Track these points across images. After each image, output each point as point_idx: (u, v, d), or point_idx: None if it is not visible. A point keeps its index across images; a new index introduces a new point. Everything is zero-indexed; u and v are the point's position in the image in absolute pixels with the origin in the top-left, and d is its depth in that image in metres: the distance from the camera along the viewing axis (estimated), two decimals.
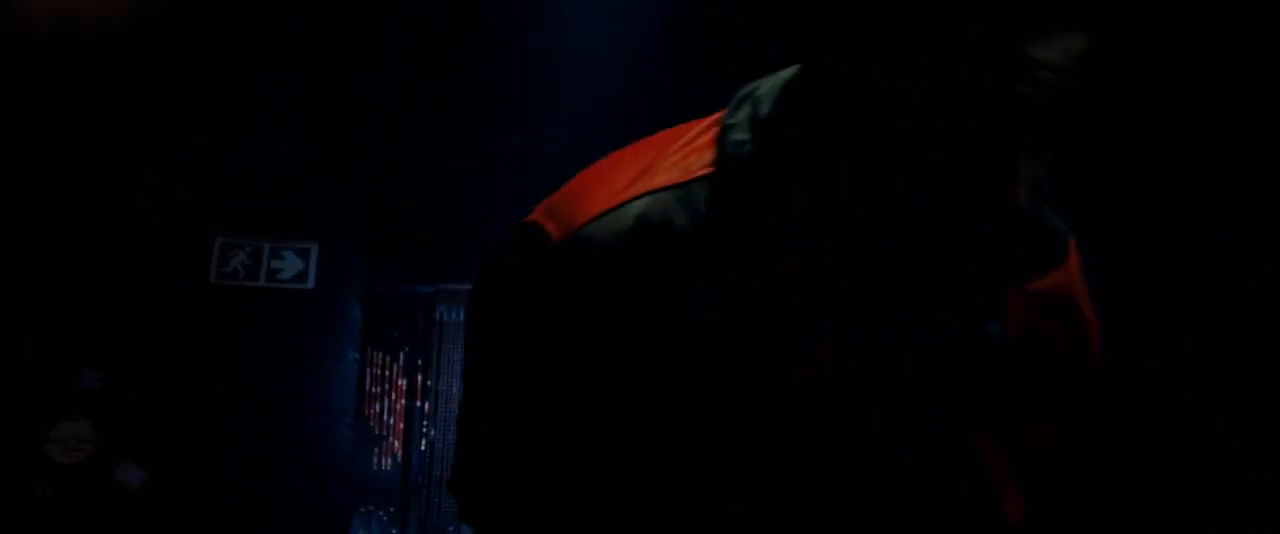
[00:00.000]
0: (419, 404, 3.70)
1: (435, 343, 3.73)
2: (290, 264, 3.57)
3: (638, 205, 0.83)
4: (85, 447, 3.15)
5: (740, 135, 0.81)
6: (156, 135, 3.41)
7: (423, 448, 3.67)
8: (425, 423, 3.69)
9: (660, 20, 3.31)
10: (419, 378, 3.71)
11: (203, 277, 3.48)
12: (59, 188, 3.29)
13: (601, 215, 0.83)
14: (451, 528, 3.60)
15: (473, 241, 3.62)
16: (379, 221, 3.66)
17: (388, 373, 3.72)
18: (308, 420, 3.52)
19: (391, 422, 3.71)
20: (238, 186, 3.52)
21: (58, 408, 3.14)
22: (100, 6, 3.17)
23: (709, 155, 0.83)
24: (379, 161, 3.62)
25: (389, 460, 3.68)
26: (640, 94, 3.28)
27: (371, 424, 3.69)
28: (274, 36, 3.39)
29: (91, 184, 3.35)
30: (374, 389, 3.71)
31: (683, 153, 0.85)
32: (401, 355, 3.73)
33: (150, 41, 3.21)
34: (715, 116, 0.87)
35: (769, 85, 0.84)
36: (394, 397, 3.72)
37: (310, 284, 3.56)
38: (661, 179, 0.84)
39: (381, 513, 3.67)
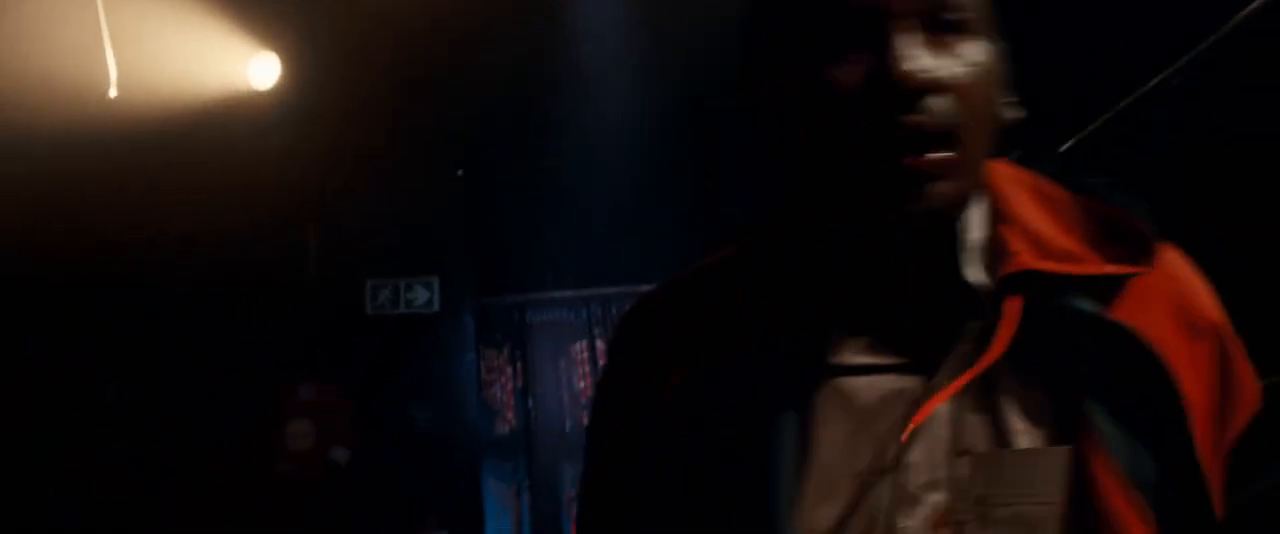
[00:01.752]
0: (520, 385, 5.11)
1: (527, 339, 5.14)
2: (420, 294, 4.93)
3: None
4: (308, 437, 4.53)
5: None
6: (321, 209, 4.74)
7: (527, 414, 5.08)
8: (526, 399, 5.10)
9: (686, 100, 4.60)
10: (519, 365, 5.12)
11: (360, 310, 4.84)
12: (260, 251, 4.58)
13: None
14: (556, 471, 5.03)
15: (542, 265, 5.05)
16: (479, 257, 5.03)
17: (497, 364, 5.12)
18: (447, 404, 4.89)
19: (503, 398, 5.12)
20: (378, 242, 4.86)
21: (288, 412, 4.51)
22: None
23: None
24: (476, 217, 4.98)
25: (505, 426, 5.10)
26: (663, 160, 4.67)
27: (490, 401, 5.09)
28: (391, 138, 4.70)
29: (283, 247, 4.67)
30: (488, 377, 5.11)
31: None
32: (505, 350, 5.13)
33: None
34: None
35: None
36: (503, 381, 5.12)
37: (436, 308, 4.91)
38: None
39: (503, 463, 5.09)
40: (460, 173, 4.99)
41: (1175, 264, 0.73)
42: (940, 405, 0.66)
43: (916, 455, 0.66)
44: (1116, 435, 0.65)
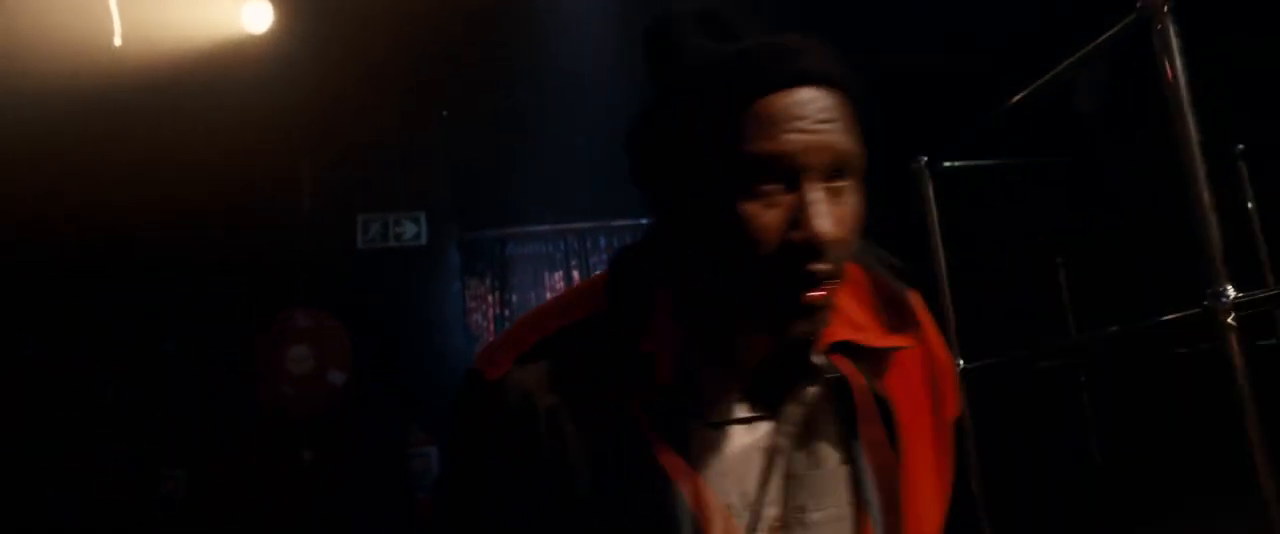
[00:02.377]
0: (502, 312, 5.49)
1: (508, 270, 5.50)
2: (408, 229, 5.26)
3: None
4: (307, 361, 4.91)
5: None
6: (314, 149, 5.03)
7: None
8: (507, 322, 5.49)
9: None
10: (500, 293, 5.50)
11: (352, 243, 5.17)
12: (258, 188, 4.88)
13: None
14: None
15: (522, 201, 5.37)
16: (463, 194, 5.34)
17: (480, 293, 5.50)
18: (433, 331, 5.26)
19: (485, 324, 5.51)
20: (368, 180, 5.16)
21: (288, 338, 4.89)
22: None
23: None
24: (460, 156, 5.28)
25: None
26: (636, 101, 4.95)
27: (473, 328, 5.47)
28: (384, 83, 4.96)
29: (276, 190, 4.97)
30: (472, 305, 5.48)
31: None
32: (487, 280, 5.50)
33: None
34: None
35: None
36: (486, 308, 5.50)
37: (423, 241, 5.24)
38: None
39: None
40: (445, 113, 5.27)
41: (927, 328, 0.98)
42: (780, 442, 0.88)
43: (771, 490, 0.89)
44: (868, 460, 0.91)
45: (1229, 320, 1.37)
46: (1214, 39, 2.35)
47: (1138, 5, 1.49)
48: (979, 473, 2.16)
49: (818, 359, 0.89)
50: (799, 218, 0.79)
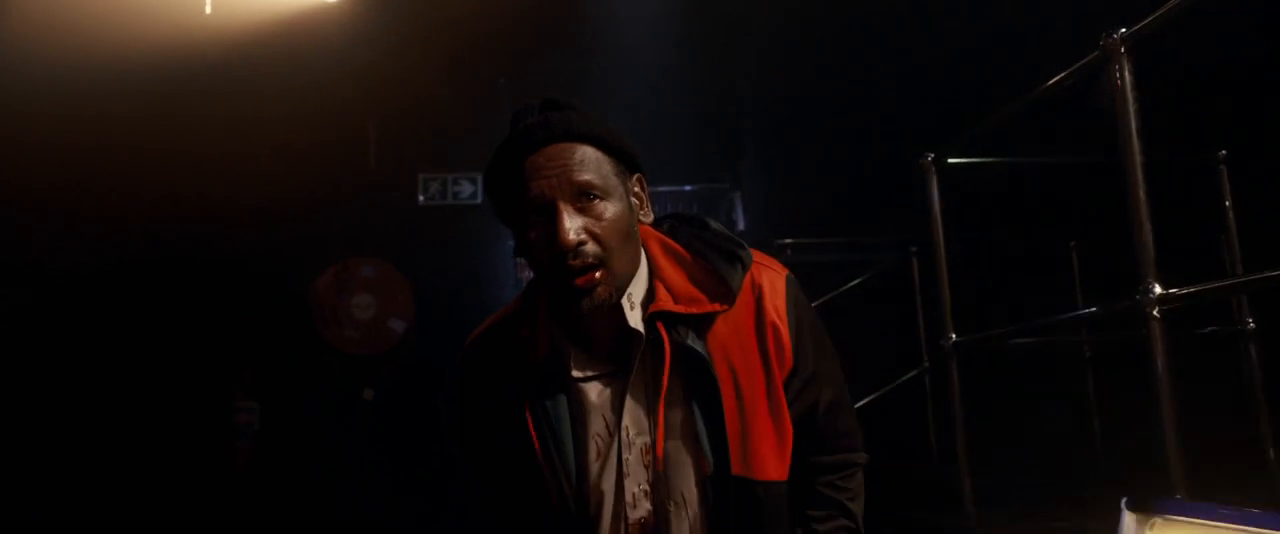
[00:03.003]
0: None
1: None
2: (465, 188, 5.63)
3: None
4: (370, 308, 5.33)
5: None
6: (381, 114, 5.40)
7: None
8: None
9: (705, 15, 5.16)
10: None
11: (414, 200, 5.56)
12: (329, 147, 5.27)
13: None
14: None
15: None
16: None
17: None
18: (486, 283, 5.65)
19: None
20: (429, 142, 5.53)
21: (354, 287, 5.30)
22: None
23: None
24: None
25: None
26: (683, 70, 5.27)
27: (524, 282, 5.84)
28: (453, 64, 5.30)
29: (346, 150, 5.36)
30: (522, 261, 5.85)
31: None
32: None
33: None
34: None
35: None
36: None
37: (479, 200, 5.61)
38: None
39: None
40: (502, 80, 5.60)
41: (759, 290, 1.26)
42: (632, 392, 1.24)
43: (626, 420, 1.24)
44: (696, 404, 1.23)
45: (1154, 313, 1.66)
46: (1204, 58, 2.59)
47: (1101, 44, 1.77)
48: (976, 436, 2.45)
49: (638, 326, 1.22)
50: (550, 231, 1.16)
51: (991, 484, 2.47)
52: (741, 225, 5.70)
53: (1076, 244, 3.84)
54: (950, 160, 2.52)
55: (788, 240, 4.84)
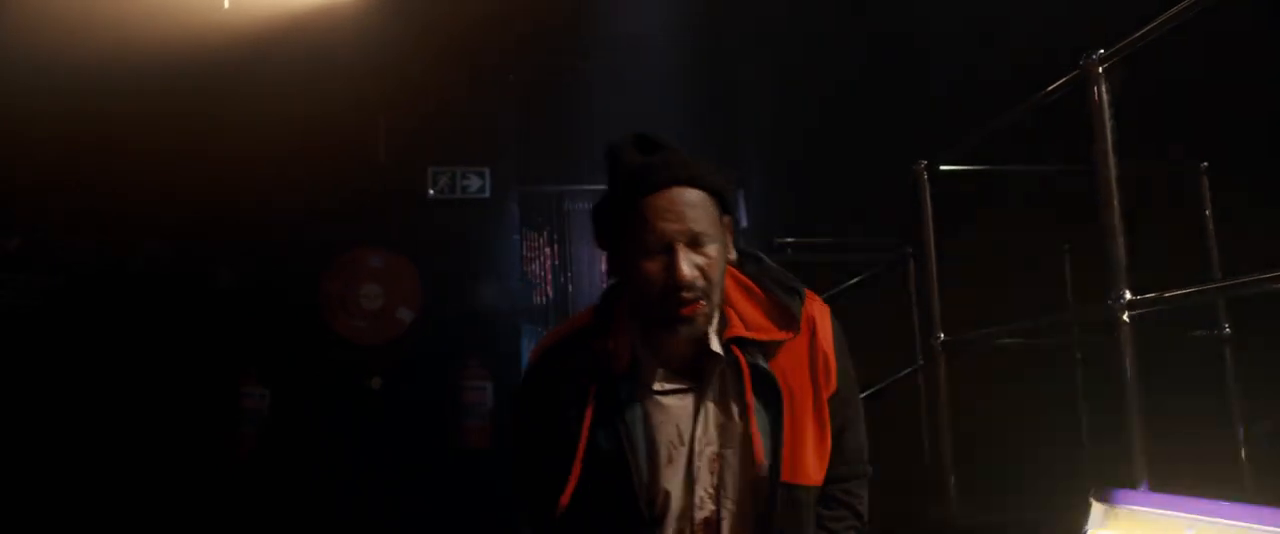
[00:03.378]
0: (557, 262, 5.97)
1: (564, 224, 5.97)
2: (473, 182, 5.72)
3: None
4: (378, 298, 5.45)
5: None
6: (391, 109, 5.51)
7: (562, 288, 5.96)
8: (562, 275, 5.97)
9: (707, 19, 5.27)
10: (556, 246, 5.98)
11: (423, 193, 5.66)
12: (339, 140, 5.38)
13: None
14: None
15: (579, 160, 5.81)
16: (525, 152, 5.79)
17: (537, 245, 5.98)
18: (493, 277, 5.74)
19: (542, 273, 6.00)
20: (438, 136, 5.63)
21: (362, 277, 5.42)
22: None
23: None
24: (523, 116, 5.72)
25: (542, 297, 5.99)
26: (686, 71, 5.38)
27: (530, 277, 5.97)
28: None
29: (356, 143, 5.47)
30: (529, 255, 5.97)
31: None
32: (545, 233, 5.98)
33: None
34: None
35: None
36: (542, 259, 5.99)
37: (487, 194, 5.70)
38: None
39: (538, 328, 6.00)
40: (511, 77, 5.70)
41: (813, 322, 1.45)
42: (706, 406, 1.40)
43: (699, 430, 1.41)
44: (761, 417, 1.39)
45: (1124, 318, 1.77)
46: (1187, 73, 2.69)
47: (1080, 64, 1.88)
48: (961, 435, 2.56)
49: (719, 349, 1.39)
50: (670, 269, 1.32)
51: (976, 478, 2.58)
52: (744, 223, 5.80)
53: (1069, 246, 3.96)
54: (942, 168, 2.62)
55: (789, 239, 4.95)
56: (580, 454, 1.37)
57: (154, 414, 4.97)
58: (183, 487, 4.90)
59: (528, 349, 5.99)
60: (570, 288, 5.97)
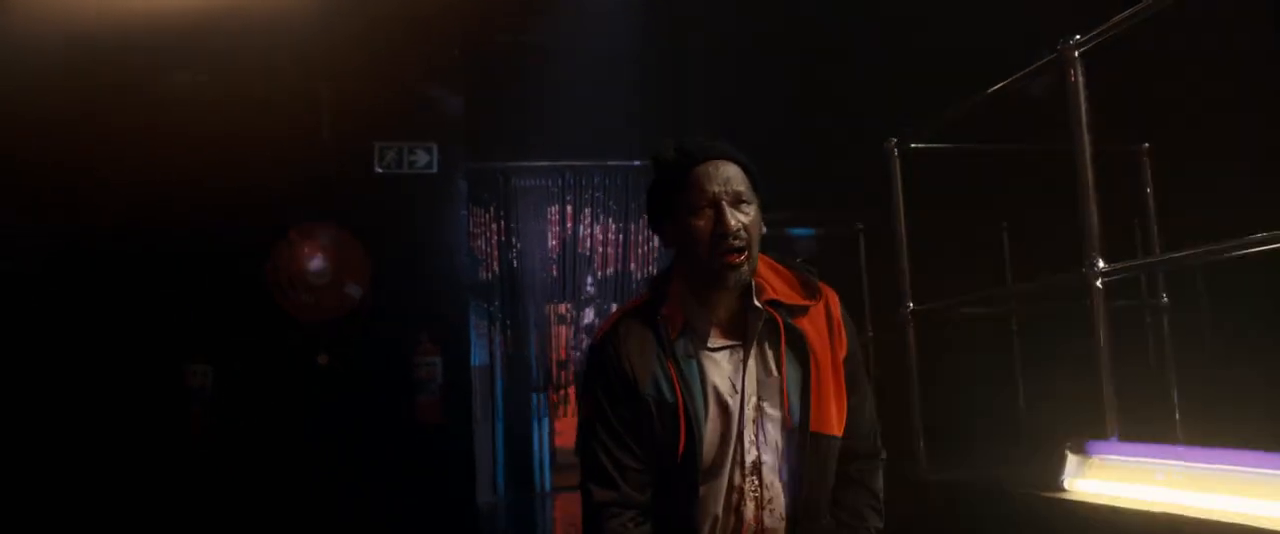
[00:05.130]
0: (503, 239, 6.00)
1: (511, 200, 6.00)
2: (421, 157, 5.70)
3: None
4: (326, 273, 5.40)
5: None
6: (336, 83, 5.44)
7: (509, 265, 6.00)
8: (509, 251, 6.00)
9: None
10: (503, 223, 6.00)
11: (370, 168, 5.62)
12: (282, 114, 5.31)
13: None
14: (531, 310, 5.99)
15: (526, 137, 5.85)
16: (473, 127, 5.80)
17: (484, 221, 5.99)
18: (440, 252, 5.74)
19: (488, 250, 6.03)
20: (386, 111, 5.59)
21: (310, 251, 5.36)
22: None
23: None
24: (471, 92, 5.72)
25: (489, 273, 6.02)
26: (635, 52, 5.44)
27: (476, 253, 5.98)
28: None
29: (297, 117, 5.40)
30: (475, 231, 5.98)
31: None
32: (491, 209, 5.99)
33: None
34: None
35: None
36: (489, 235, 6.01)
37: (434, 169, 5.68)
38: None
39: (484, 303, 6.04)
40: (458, 52, 5.69)
41: (827, 297, 1.68)
42: (749, 361, 1.59)
43: (746, 381, 1.59)
44: (793, 372, 1.60)
45: (1098, 284, 1.93)
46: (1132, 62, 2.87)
47: (1058, 49, 2.03)
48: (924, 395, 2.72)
49: (760, 305, 1.60)
50: (718, 220, 1.55)
51: (949, 439, 2.74)
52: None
53: (1008, 223, 4.17)
54: (914, 145, 2.76)
55: None
56: (681, 410, 1.54)
57: (101, 393, 4.87)
58: (133, 466, 4.82)
59: (475, 324, 6.04)
60: (516, 264, 6.01)
